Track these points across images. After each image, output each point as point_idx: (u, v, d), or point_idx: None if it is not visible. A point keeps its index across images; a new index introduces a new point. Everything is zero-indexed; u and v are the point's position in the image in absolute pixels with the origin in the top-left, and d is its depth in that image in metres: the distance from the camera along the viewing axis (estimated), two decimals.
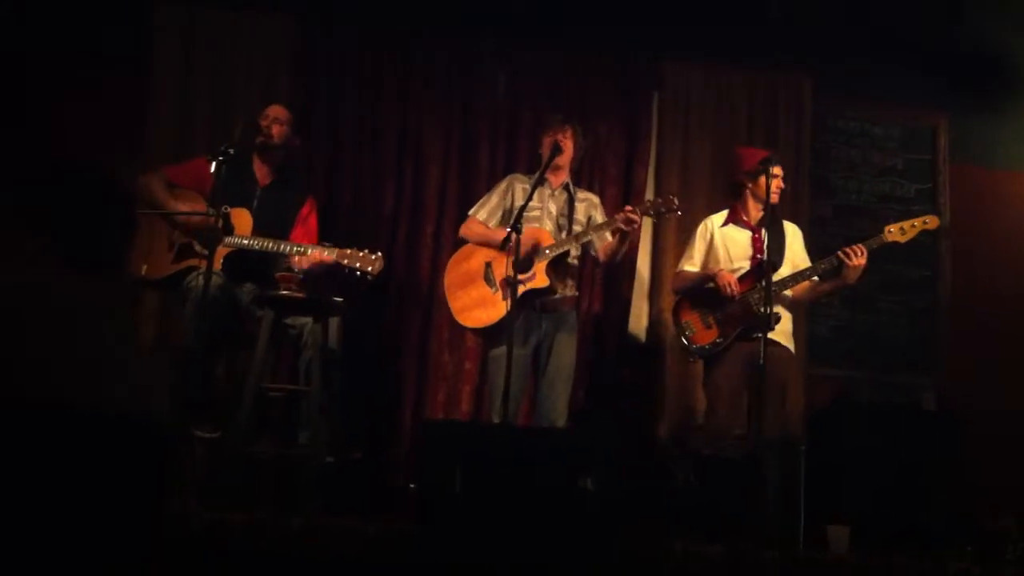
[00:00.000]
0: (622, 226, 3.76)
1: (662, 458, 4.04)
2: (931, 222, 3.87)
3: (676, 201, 3.87)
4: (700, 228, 4.09)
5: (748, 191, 3.98)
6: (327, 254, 3.59)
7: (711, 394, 3.89)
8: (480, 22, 4.71)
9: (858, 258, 3.71)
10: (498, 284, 3.83)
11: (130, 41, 4.54)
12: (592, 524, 2.68)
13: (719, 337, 3.84)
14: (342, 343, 3.68)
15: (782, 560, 2.78)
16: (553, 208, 4.00)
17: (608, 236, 3.96)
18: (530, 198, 3.75)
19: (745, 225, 3.99)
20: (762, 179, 3.78)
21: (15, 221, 1.54)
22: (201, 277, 3.32)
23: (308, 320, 3.62)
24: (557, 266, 3.88)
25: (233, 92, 4.54)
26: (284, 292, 3.52)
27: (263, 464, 3.65)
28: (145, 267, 3.71)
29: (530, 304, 3.83)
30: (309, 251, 3.60)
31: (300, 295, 3.53)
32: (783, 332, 3.83)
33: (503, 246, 3.63)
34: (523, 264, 3.67)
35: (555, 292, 3.87)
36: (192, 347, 3.45)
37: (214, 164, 3.33)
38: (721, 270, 3.88)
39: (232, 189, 3.62)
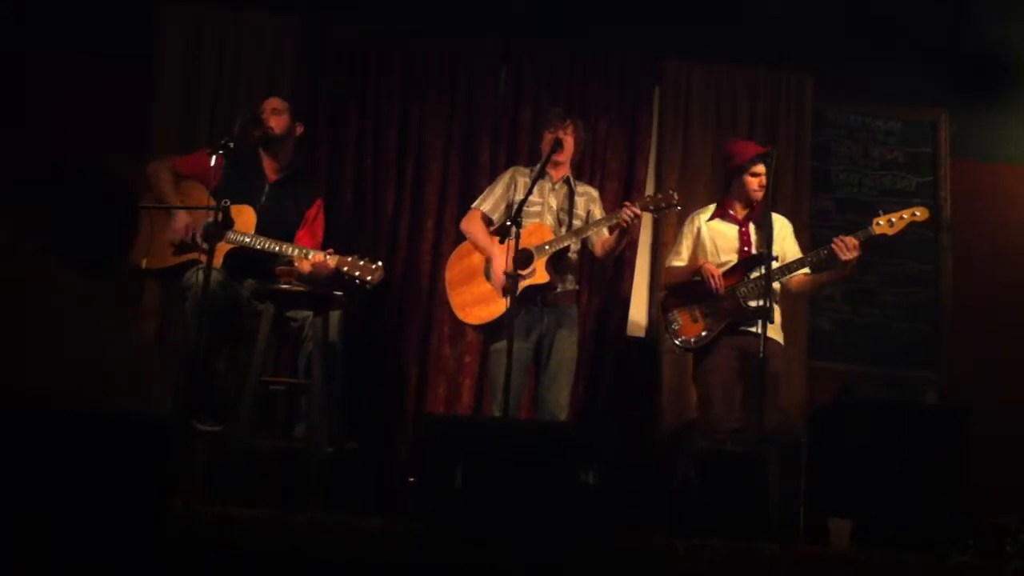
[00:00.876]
0: (624, 222, 3.76)
1: (662, 453, 4.05)
2: (921, 214, 3.80)
3: (676, 196, 3.88)
4: (687, 223, 4.09)
5: (736, 186, 3.98)
6: (328, 260, 3.58)
7: (702, 387, 3.90)
8: (482, 21, 4.72)
9: (849, 251, 3.67)
10: (497, 280, 3.83)
11: (131, 41, 4.56)
12: (592, 518, 2.69)
13: (705, 331, 3.84)
14: (343, 337, 3.68)
15: (783, 555, 2.78)
16: (554, 202, 4.01)
17: (606, 232, 3.96)
18: (530, 192, 3.76)
19: (733, 219, 3.99)
20: (746, 176, 3.85)
21: (15, 221, 1.54)
22: (201, 272, 3.33)
23: (309, 314, 3.62)
24: (557, 262, 3.89)
25: (235, 92, 4.54)
26: (284, 286, 3.52)
27: (265, 458, 3.66)
28: (145, 260, 3.72)
29: (531, 299, 3.84)
30: (311, 255, 3.60)
31: (300, 288, 3.53)
32: (773, 325, 3.81)
33: (502, 240, 3.63)
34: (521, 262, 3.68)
35: (555, 288, 3.88)
36: (193, 342, 3.45)
37: (214, 158, 3.34)
38: (706, 263, 3.88)
39: (240, 184, 3.62)
